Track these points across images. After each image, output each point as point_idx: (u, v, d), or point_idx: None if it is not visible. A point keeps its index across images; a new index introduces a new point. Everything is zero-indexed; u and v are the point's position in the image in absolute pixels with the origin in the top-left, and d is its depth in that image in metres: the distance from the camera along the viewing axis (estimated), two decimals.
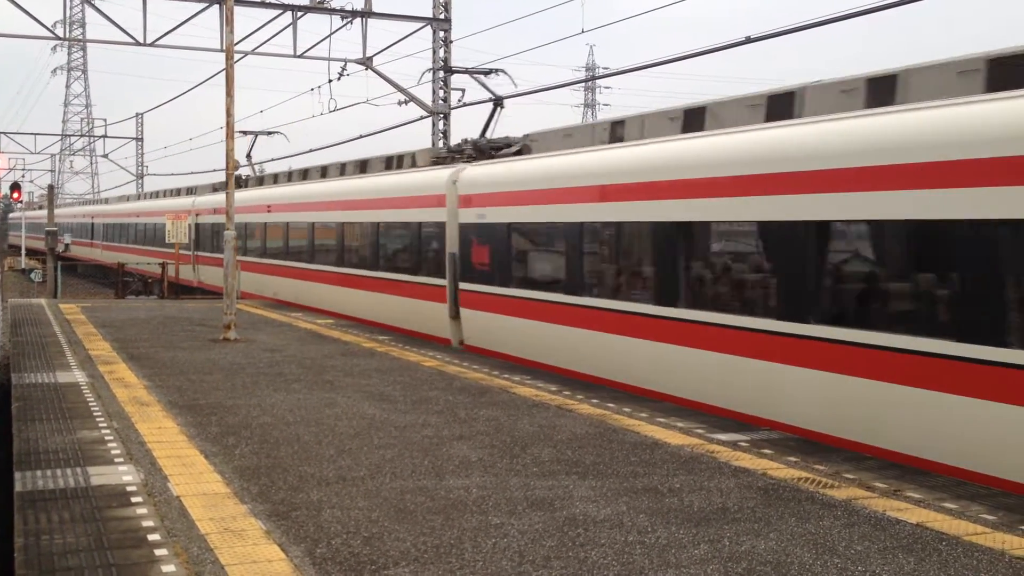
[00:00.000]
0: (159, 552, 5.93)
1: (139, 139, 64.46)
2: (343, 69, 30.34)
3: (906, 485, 7.78)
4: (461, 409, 10.76)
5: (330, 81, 30.61)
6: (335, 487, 7.48)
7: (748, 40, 13.62)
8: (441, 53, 30.00)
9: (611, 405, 11.14)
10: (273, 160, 41.47)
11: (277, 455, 8.49)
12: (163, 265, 33.94)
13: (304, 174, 28.56)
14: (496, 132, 19.58)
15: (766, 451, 8.95)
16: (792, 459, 8.65)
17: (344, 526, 6.50)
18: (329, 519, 6.65)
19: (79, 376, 12.67)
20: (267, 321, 20.92)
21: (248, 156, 36.79)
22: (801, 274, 10.12)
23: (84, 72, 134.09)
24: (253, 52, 30.19)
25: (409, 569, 5.70)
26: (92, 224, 57.84)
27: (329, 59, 30.29)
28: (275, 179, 31.40)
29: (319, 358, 14.81)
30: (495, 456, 8.57)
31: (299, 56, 30.42)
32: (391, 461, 8.33)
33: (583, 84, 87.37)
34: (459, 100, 30.06)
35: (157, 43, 29.70)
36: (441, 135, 29.84)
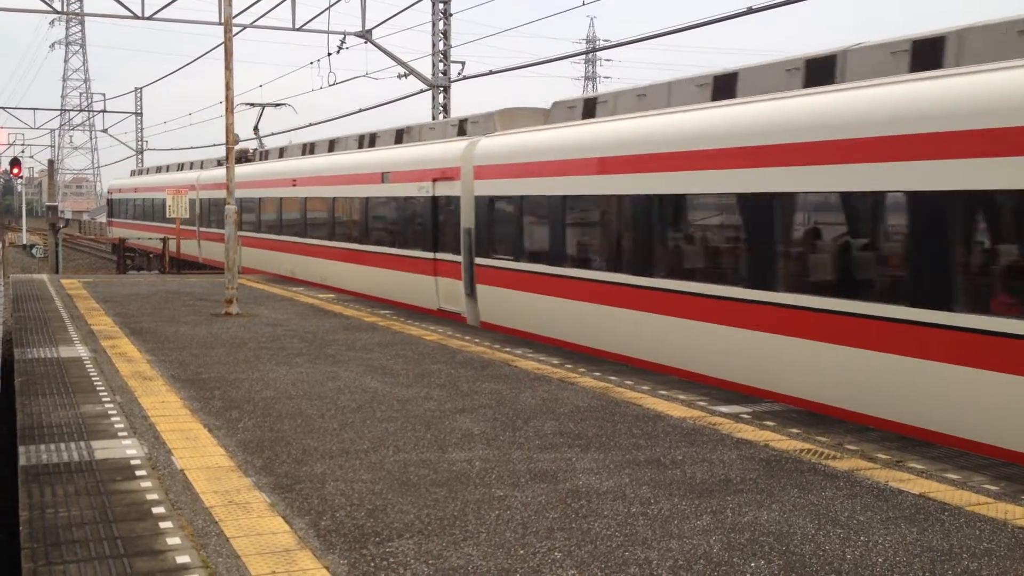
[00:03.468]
0: (164, 525, 5.95)
1: (138, 113, 64.26)
2: (342, 42, 30.21)
3: (908, 456, 7.80)
4: (463, 382, 10.77)
5: (329, 54, 30.50)
6: (338, 460, 7.50)
7: (750, 11, 13.53)
8: (441, 26, 29.83)
9: (613, 378, 11.16)
10: (273, 134, 41.28)
11: (280, 428, 8.51)
12: (164, 240, 33.91)
13: (331, 145, 26.11)
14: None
15: (768, 423, 8.96)
16: (794, 431, 8.66)
17: (348, 499, 6.52)
18: (333, 492, 6.67)
19: (82, 351, 12.68)
20: (268, 296, 20.92)
21: (255, 129, 35.68)
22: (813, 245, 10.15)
23: (83, 46, 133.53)
24: (252, 25, 30.05)
25: (413, 541, 5.72)
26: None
27: (328, 32, 30.16)
28: (303, 150, 28.43)
29: (321, 332, 14.82)
30: (497, 429, 8.58)
31: (298, 29, 30.29)
32: (394, 434, 8.35)
33: (584, 56, 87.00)
34: (459, 73, 30.02)
35: (156, 16, 29.55)
36: (441, 108, 29.72)
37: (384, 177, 20.10)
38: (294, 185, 25.92)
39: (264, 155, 32.46)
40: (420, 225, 18.38)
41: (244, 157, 32.47)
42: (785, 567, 5.38)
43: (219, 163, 34.64)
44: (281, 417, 8.96)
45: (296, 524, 6.00)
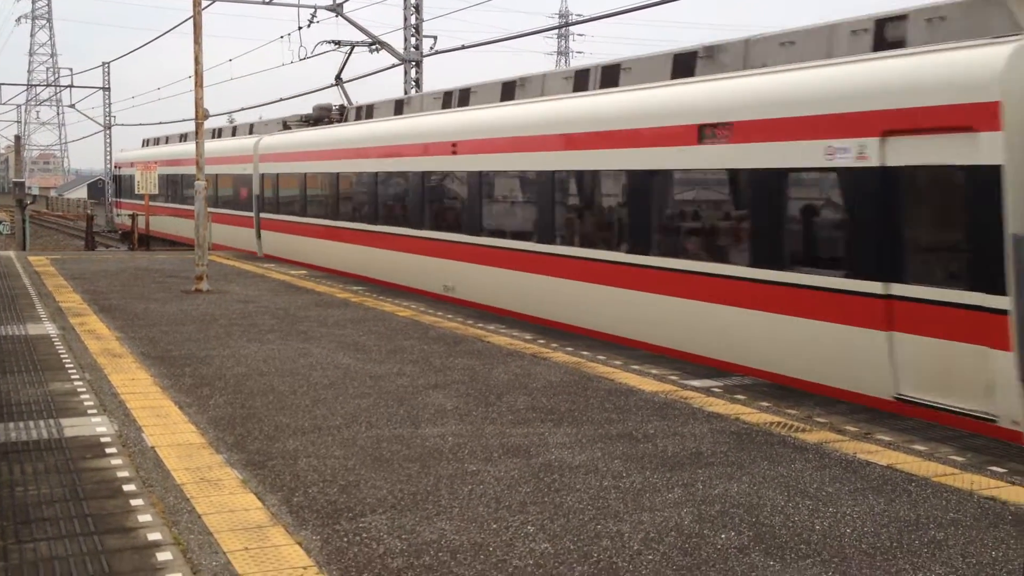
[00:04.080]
0: (135, 502, 5.92)
1: (106, 88, 63.45)
2: (313, 16, 29.89)
3: (876, 428, 7.88)
4: (436, 358, 10.77)
5: (300, 28, 30.18)
6: (311, 436, 7.49)
7: None
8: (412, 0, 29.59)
9: (585, 353, 11.19)
10: (243, 109, 40.80)
11: (252, 405, 8.48)
12: (133, 216, 33.60)
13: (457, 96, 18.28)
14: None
15: (739, 396, 9.03)
16: (764, 404, 8.73)
17: (320, 475, 6.52)
18: (305, 468, 6.66)
19: (50, 328, 12.56)
20: (240, 272, 20.79)
21: (338, 78, 27.27)
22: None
23: (49, 20, 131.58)
24: None
25: (386, 516, 5.73)
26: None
27: (299, 5, 29.84)
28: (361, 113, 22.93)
29: (293, 309, 14.76)
30: (470, 404, 8.59)
31: (268, 3, 29.95)
32: (366, 410, 8.34)
33: (556, 32, 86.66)
34: (431, 48, 29.83)
35: None
36: (413, 83, 29.53)
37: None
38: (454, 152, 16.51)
39: (344, 116, 24.80)
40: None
41: (325, 117, 25.21)
42: (755, 538, 5.44)
43: (285, 125, 26.91)
44: (253, 394, 8.92)
45: (268, 500, 5.99)
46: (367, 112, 22.52)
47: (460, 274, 15.98)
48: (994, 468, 6.81)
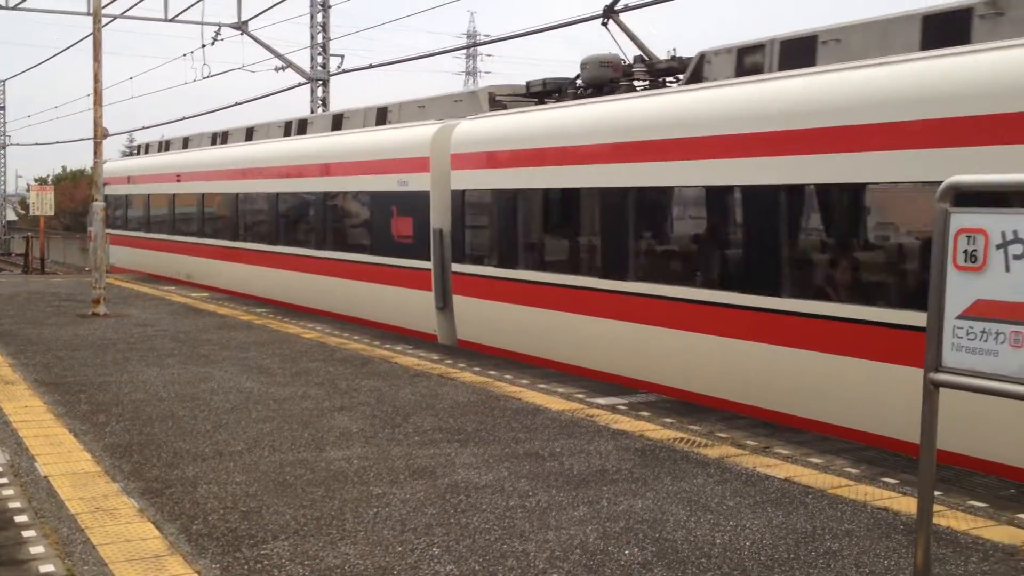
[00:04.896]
0: (27, 534, 5.73)
1: (1, 107, 61.52)
2: (217, 33, 29.52)
3: (775, 442, 8.07)
4: (342, 380, 10.67)
5: (204, 46, 29.75)
6: (211, 462, 7.34)
7: (626, 8, 13.73)
8: (320, 18, 29.41)
9: (493, 372, 11.21)
10: (144, 128, 39.93)
11: (150, 432, 8.28)
12: (27, 238, 32.58)
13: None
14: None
15: (644, 413, 9.15)
16: (668, 420, 8.86)
17: (221, 501, 6.39)
18: (205, 495, 6.53)
19: None
20: (139, 295, 20.31)
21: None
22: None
23: None
24: (122, 16, 29.14)
25: (289, 542, 5.64)
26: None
27: (203, 23, 29.44)
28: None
29: (194, 332, 14.47)
30: (376, 426, 8.53)
31: (170, 20, 29.48)
32: (270, 434, 8.22)
33: (464, 52, 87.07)
34: (338, 67, 29.64)
35: (20, 7, 28.38)
36: (320, 102, 29.31)
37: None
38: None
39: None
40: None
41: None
42: (658, 553, 5.51)
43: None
44: (151, 420, 8.71)
45: (167, 529, 5.85)
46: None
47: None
48: (887, 479, 7.02)
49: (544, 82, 13.69)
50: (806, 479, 7.00)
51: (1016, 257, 4.29)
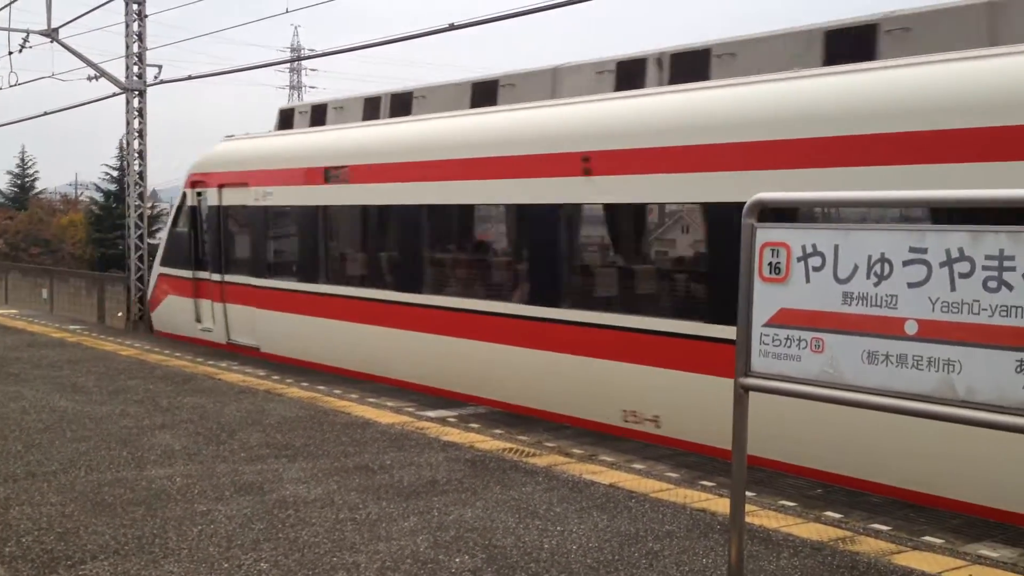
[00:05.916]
0: None
1: None
2: (25, 40, 28.06)
3: (600, 450, 8.32)
4: (163, 398, 10.33)
5: (11, 53, 28.25)
6: (23, 483, 6.98)
7: (452, 27, 13.89)
8: (135, 27, 28.40)
9: (321, 387, 11.09)
10: None
11: None
12: None
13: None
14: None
15: (473, 425, 9.25)
16: (498, 431, 8.99)
17: (35, 523, 6.09)
18: (18, 516, 6.20)
19: None
20: None
21: None
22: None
23: None
24: None
25: (108, 562, 5.43)
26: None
27: (9, 29, 27.93)
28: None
29: (2, 350, 13.69)
30: (200, 444, 8.31)
31: None
32: (86, 454, 7.88)
33: (289, 65, 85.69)
34: (155, 77, 28.67)
35: None
36: (137, 113, 28.28)
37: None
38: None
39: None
40: None
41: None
42: (488, 560, 5.59)
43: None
44: None
45: None
46: None
47: None
48: (704, 482, 7.36)
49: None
50: (630, 484, 7.25)
51: (815, 269, 4.62)
